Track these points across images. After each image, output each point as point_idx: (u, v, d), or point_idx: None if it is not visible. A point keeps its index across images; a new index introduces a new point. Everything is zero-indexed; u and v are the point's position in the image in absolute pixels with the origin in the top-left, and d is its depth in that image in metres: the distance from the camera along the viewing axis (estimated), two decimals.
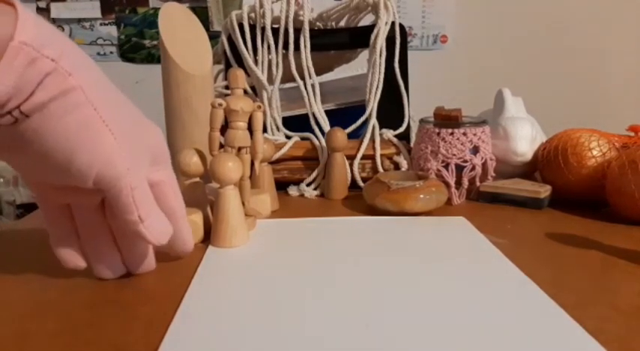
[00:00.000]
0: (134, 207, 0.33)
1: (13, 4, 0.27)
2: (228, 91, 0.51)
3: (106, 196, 0.33)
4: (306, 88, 0.68)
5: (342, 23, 0.76)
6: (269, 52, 0.68)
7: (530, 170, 0.66)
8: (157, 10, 1.42)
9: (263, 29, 0.67)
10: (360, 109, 0.70)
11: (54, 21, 1.42)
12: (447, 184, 0.59)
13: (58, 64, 0.28)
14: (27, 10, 0.27)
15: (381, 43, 0.67)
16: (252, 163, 0.52)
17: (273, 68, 0.68)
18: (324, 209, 0.59)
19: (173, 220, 0.37)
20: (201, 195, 0.49)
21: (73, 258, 0.37)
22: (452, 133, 0.59)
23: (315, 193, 0.64)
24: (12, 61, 0.26)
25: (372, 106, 0.68)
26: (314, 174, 0.65)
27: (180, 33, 0.62)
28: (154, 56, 1.44)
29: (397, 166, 0.66)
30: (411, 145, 0.69)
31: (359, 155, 0.65)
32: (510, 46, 1.49)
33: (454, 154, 0.59)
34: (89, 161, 0.30)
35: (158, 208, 0.35)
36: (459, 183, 0.60)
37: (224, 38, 0.70)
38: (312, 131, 0.67)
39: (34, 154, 0.30)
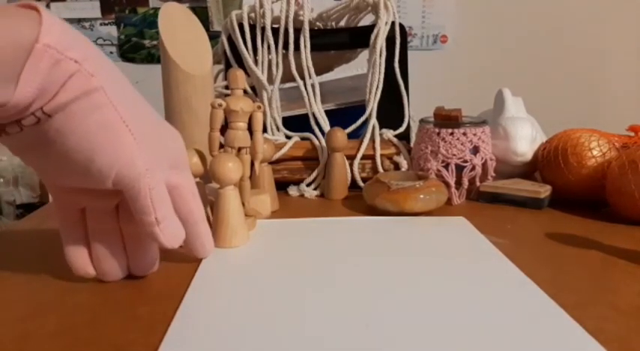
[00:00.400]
0: (152, 208, 0.33)
1: (37, 9, 0.28)
2: (228, 91, 0.51)
3: (123, 198, 0.34)
4: (306, 88, 0.68)
5: (342, 23, 0.76)
6: (269, 52, 0.68)
7: (530, 170, 0.66)
8: (156, 10, 1.42)
9: (263, 29, 0.67)
10: (360, 109, 0.69)
11: None
12: (447, 184, 0.59)
13: (82, 66, 0.29)
14: (51, 15, 0.28)
15: (381, 43, 0.67)
16: (252, 164, 0.52)
17: (273, 68, 0.68)
18: (324, 209, 0.59)
19: (192, 223, 0.38)
20: (201, 195, 0.49)
21: (84, 265, 0.37)
22: (452, 133, 0.59)
23: (315, 193, 0.64)
24: (38, 63, 0.27)
25: (372, 106, 0.68)
26: (314, 174, 0.65)
27: (180, 33, 0.62)
28: (153, 56, 1.44)
29: (397, 166, 0.66)
30: (411, 145, 0.69)
31: (359, 155, 0.65)
32: (510, 46, 1.49)
33: (454, 154, 0.59)
34: (109, 162, 0.31)
35: (174, 211, 0.36)
36: (459, 183, 0.60)
37: (224, 38, 0.70)
38: (312, 131, 0.67)
39: (56, 155, 0.31)
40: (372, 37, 0.68)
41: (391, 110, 0.70)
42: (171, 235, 0.35)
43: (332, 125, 0.65)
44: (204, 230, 0.40)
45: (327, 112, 0.70)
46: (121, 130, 0.31)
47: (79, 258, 0.37)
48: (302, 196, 0.64)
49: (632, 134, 0.60)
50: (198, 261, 0.42)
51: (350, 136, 0.64)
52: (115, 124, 0.31)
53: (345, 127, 0.64)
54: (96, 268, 0.37)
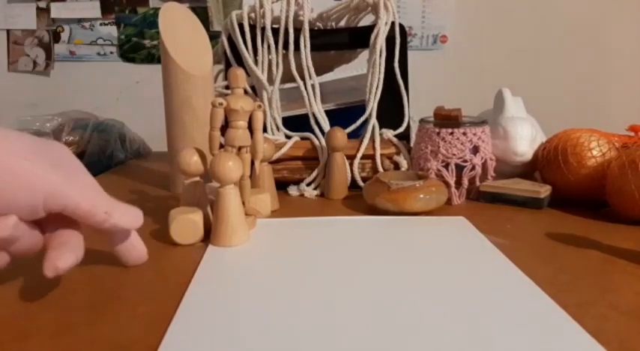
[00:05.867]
0: (95, 209, 0.34)
1: None
2: (229, 91, 0.51)
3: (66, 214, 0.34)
4: (306, 88, 0.68)
5: (342, 23, 0.76)
6: (269, 52, 0.68)
7: (530, 170, 0.66)
8: (157, 10, 1.42)
9: (263, 29, 0.67)
10: (360, 109, 0.70)
11: (54, 21, 1.42)
12: (447, 184, 0.59)
13: None
14: None
15: (380, 43, 0.67)
16: (253, 163, 0.52)
17: (273, 68, 0.68)
18: (324, 209, 0.59)
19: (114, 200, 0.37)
20: (201, 194, 0.49)
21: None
22: (452, 133, 0.59)
23: (315, 192, 0.64)
24: None
25: (372, 106, 0.68)
26: (314, 174, 0.65)
27: (181, 33, 0.62)
28: (154, 56, 1.43)
29: (397, 166, 0.66)
30: (411, 145, 0.69)
31: (359, 155, 0.65)
32: (510, 46, 1.49)
33: (454, 154, 0.59)
34: (30, 199, 0.31)
35: (111, 197, 0.36)
36: (459, 183, 0.60)
37: (224, 38, 0.70)
38: (312, 131, 0.67)
39: None
40: (372, 37, 0.68)
41: (391, 110, 0.70)
42: (129, 217, 0.36)
43: (332, 125, 0.65)
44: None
45: (327, 112, 0.70)
46: (14, 163, 0.31)
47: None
48: (302, 195, 0.64)
49: (632, 134, 0.60)
50: (198, 260, 0.42)
51: (350, 136, 0.64)
52: (11, 164, 0.31)
53: (345, 127, 0.64)
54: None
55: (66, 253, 0.33)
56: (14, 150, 0.31)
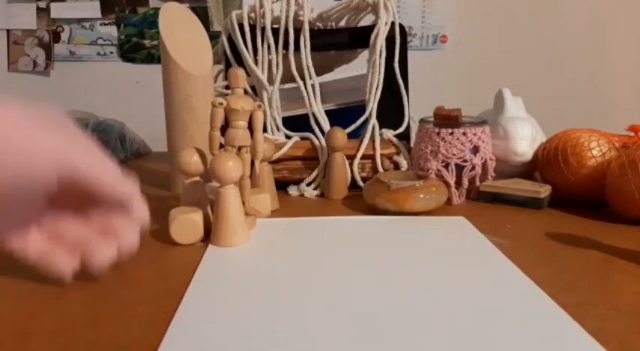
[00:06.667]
0: (118, 182, 0.32)
1: None
2: (229, 91, 0.51)
3: (84, 190, 0.32)
4: (306, 88, 0.68)
5: (342, 23, 0.76)
6: (269, 52, 0.68)
7: (530, 170, 0.66)
8: (157, 10, 1.42)
9: (263, 29, 0.67)
10: (360, 109, 0.70)
11: (54, 21, 1.42)
12: (447, 184, 0.59)
13: None
14: None
15: (380, 43, 0.67)
16: (253, 163, 0.52)
17: (273, 68, 0.68)
18: (324, 209, 0.59)
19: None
20: (201, 194, 0.49)
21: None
22: (452, 133, 0.59)
23: (315, 192, 0.64)
24: None
25: (372, 106, 0.68)
26: (314, 174, 0.65)
27: (181, 33, 0.63)
28: (153, 56, 1.44)
29: (397, 166, 0.66)
30: (411, 145, 0.69)
31: (359, 155, 0.65)
32: (510, 46, 1.49)
33: (454, 154, 0.59)
34: (43, 166, 0.29)
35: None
36: (459, 183, 0.60)
37: (224, 38, 0.70)
38: (312, 131, 0.67)
39: None
40: (372, 37, 0.68)
41: (391, 110, 0.70)
42: (129, 184, 0.35)
43: (332, 125, 0.65)
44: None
45: (327, 112, 0.70)
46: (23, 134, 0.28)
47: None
48: (302, 195, 0.64)
49: (632, 134, 0.60)
50: (198, 260, 0.42)
51: (350, 136, 0.64)
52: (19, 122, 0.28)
53: (345, 127, 0.64)
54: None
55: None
56: (14, 117, 0.29)
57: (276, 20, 0.67)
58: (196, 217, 0.46)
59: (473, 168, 0.60)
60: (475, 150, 0.60)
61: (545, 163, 0.61)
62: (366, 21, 0.73)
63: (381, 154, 0.65)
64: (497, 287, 0.37)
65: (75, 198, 0.34)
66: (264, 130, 0.62)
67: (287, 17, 0.66)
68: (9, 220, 0.32)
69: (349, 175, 0.64)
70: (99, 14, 1.42)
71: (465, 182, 0.60)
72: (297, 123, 0.69)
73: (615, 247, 0.46)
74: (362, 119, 0.68)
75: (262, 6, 0.66)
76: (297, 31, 0.67)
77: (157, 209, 0.56)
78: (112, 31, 1.44)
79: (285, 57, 0.68)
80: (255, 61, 0.68)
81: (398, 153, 0.66)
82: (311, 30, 0.67)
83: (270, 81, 0.68)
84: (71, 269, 0.35)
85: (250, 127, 0.50)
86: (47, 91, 1.43)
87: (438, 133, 0.60)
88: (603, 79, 1.53)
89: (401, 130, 0.69)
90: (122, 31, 1.44)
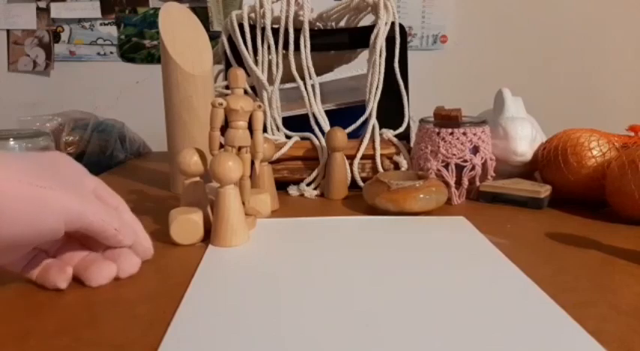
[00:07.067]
0: (107, 224, 0.36)
1: None
2: (229, 91, 0.51)
3: (81, 232, 0.36)
4: (306, 88, 0.68)
5: (342, 23, 0.76)
6: (269, 52, 0.68)
7: (530, 170, 0.66)
8: (157, 10, 1.42)
9: (263, 29, 0.67)
10: (360, 109, 0.70)
11: (54, 21, 1.42)
12: (447, 184, 0.59)
13: None
14: None
15: (380, 43, 0.67)
16: (253, 163, 0.52)
17: (273, 68, 0.68)
18: (324, 209, 0.59)
19: (121, 212, 0.40)
20: (201, 194, 0.49)
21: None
22: (452, 133, 0.59)
23: (315, 192, 0.64)
24: None
25: (372, 106, 0.68)
26: (314, 174, 0.65)
27: (181, 33, 0.63)
28: (154, 56, 1.43)
29: (397, 166, 0.66)
30: (411, 145, 0.69)
31: (359, 155, 0.65)
32: (510, 46, 1.49)
33: (454, 154, 0.59)
34: (53, 223, 0.32)
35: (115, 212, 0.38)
36: (459, 183, 0.60)
37: (224, 38, 0.70)
38: (312, 131, 0.67)
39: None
40: (372, 37, 0.68)
41: (391, 110, 0.70)
42: (128, 233, 0.39)
43: (332, 125, 0.65)
44: (133, 218, 0.41)
45: (327, 112, 0.70)
46: (27, 190, 0.31)
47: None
48: (302, 195, 0.64)
49: (632, 134, 0.60)
50: (198, 260, 0.42)
51: (350, 136, 0.64)
52: (34, 193, 0.31)
53: (345, 127, 0.64)
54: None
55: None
56: (20, 175, 0.31)
57: (276, 20, 0.67)
58: (196, 218, 0.46)
59: (473, 168, 0.60)
60: (475, 150, 0.60)
61: (545, 163, 0.61)
62: (366, 21, 0.73)
63: (381, 154, 0.65)
64: (497, 287, 0.37)
65: (80, 234, 0.38)
66: (264, 130, 0.62)
67: (287, 17, 0.66)
68: (17, 254, 0.36)
69: (349, 175, 0.64)
70: (99, 14, 1.42)
71: (465, 182, 0.60)
72: (297, 123, 0.69)
73: (615, 247, 0.46)
74: (362, 119, 0.68)
75: (262, 6, 0.66)
76: (297, 31, 0.67)
77: (156, 209, 0.56)
78: (112, 31, 1.44)
79: (285, 57, 0.68)
80: (255, 61, 0.68)
81: (398, 153, 0.66)
82: (311, 30, 0.67)
83: (270, 81, 0.68)
84: (67, 282, 0.37)
85: (250, 128, 0.50)
86: (47, 91, 1.43)
87: (438, 133, 0.60)
88: (603, 79, 1.53)
89: (401, 130, 0.69)
90: (122, 31, 1.43)
